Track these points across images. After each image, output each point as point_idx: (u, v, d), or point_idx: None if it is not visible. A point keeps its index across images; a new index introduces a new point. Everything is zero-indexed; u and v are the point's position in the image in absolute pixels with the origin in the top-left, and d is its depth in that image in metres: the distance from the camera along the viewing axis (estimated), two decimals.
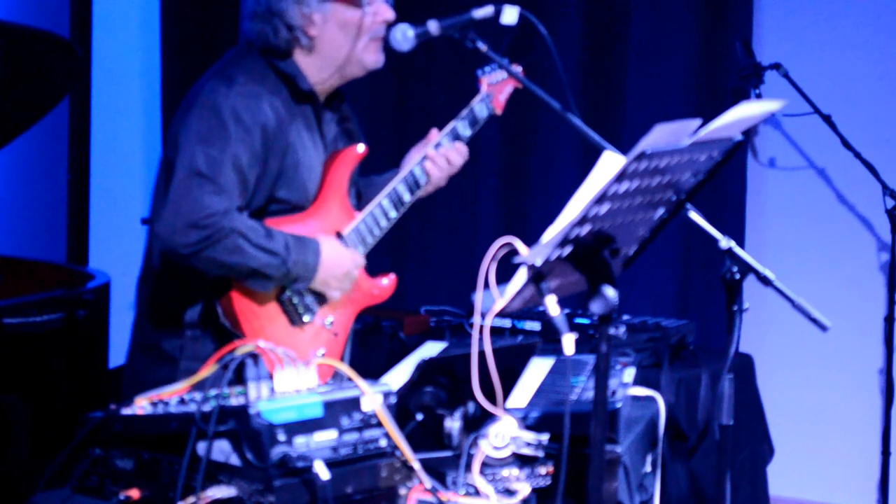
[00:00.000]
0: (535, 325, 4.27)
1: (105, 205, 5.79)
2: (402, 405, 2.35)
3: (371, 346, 4.43)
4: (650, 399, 3.01)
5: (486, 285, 2.24)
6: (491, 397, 2.35)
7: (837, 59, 4.98)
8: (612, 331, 2.26)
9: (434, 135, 3.17)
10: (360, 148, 3.07)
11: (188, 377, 2.25)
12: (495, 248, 2.24)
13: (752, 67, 4.84)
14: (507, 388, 2.44)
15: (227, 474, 2.06)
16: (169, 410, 2.17)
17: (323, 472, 2.03)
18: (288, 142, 2.96)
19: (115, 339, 4.14)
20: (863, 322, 4.94)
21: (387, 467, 2.18)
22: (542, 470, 2.43)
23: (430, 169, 3.13)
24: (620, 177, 2.15)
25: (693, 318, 4.66)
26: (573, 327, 3.24)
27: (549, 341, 2.79)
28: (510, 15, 2.77)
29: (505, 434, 2.40)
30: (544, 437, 2.44)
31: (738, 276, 2.40)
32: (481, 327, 2.25)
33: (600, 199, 2.16)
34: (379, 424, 2.18)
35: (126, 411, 2.19)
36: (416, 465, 2.20)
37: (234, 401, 2.12)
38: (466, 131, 3.18)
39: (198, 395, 2.18)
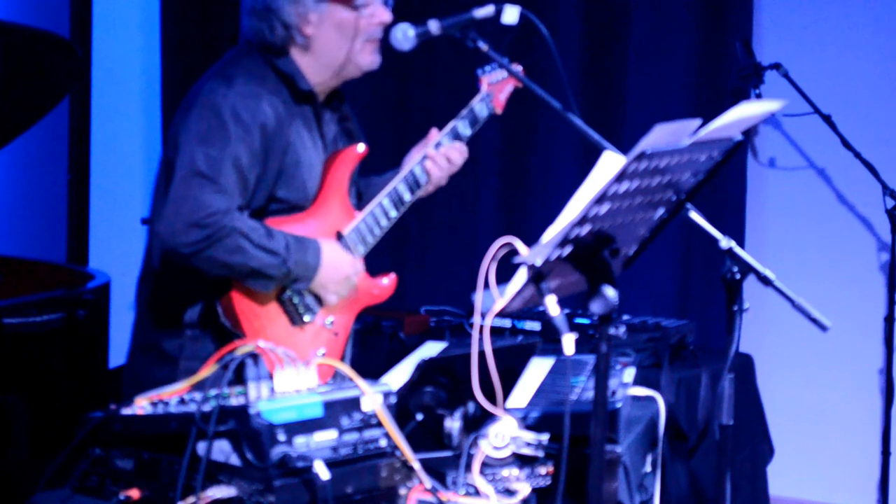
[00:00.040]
0: (535, 325, 4.27)
1: (105, 205, 5.79)
2: (402, 405, 2.35)
3: (371, 346, 4.43)
4: (650, 399, 3.01)
5: (486, 285, 2.24)
6: (491, 397, 2.35)
7: (837, 59, 4.98)
8: (612, 331, 2.26)
9: (434, 134, 3.17)
10: (361, 147, 3.07)
11: (188, 377, 2.25)
12: (495, 248, 2.24)
13: (752, 67, 4.84)
14: (507, 388, 2.44)
15: (227, 474, 2.06)
16: (169, 410, 2.17)
17: (323, 472, 2.03)
18: (288, 141, 2.96)
19: (115, 339, 4.14)
20: (863, 322, 4.94)
21: (387, 467, 2.18)
22: (542, 470, 2.43)
23: (430, 168, 3.13)
24: (620, 177, 2.15)
25: (693, 318, 4.66)
26: (573, 327, 3.24)
27: (549, 341, 2.78)
28: (511, 14, 2.77)
29: (505, 434, 2.39)
30: (544, 437, 2.44)
31: (738, 276, 2.40)
32: (481, 327, 2.25)
33: (600, 199, 2.16)
34: (379, 424, 2.18)
35: (126, 411, 2.19)
36: (416, 465, 2.20)
37: (234, 401, 2.12)
38: (467, 130, 3.18)
39: (198, 395, 2.18)
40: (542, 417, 2.56)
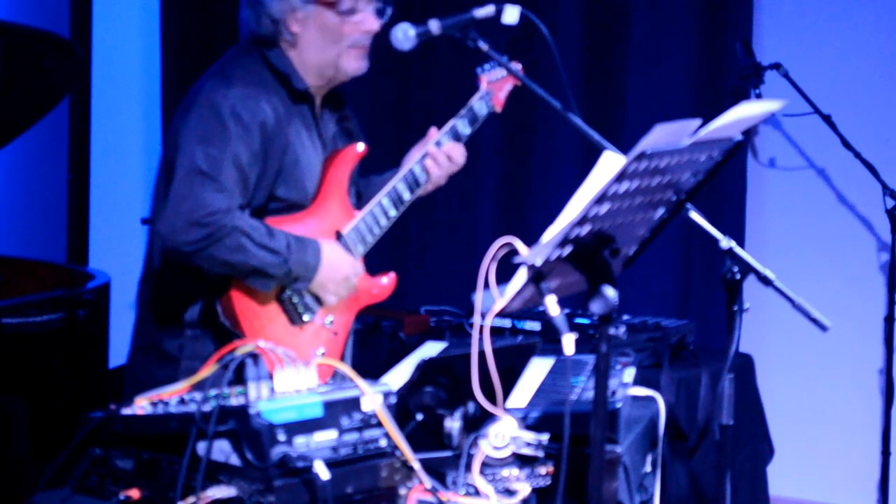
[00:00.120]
0: (535, 325, 4.27)
1: (105, 205, 5.79)
2: (402, 405, 2.35)
3: (371, 346, 4.43)
4: (650, 399, 3.01)
5: (486, 285, 2.24)
6: (491, 397, 2.35)
7: (837, 59, 4.98)
8: (612, 331, 2.26)
9: (433, 133, 3.17)
10: (360, 147, 3.08)
11: (189, 377, 2.25)
12: (495, 248, 2.24)
13: (752, 67, 4.84)
14: (507, 388, 2.44)
15: (227, 474, 2.06)
16: (169, 410, 2.17)
17: (323, 472, 2.03)
18: (287, 141, 2.97)
19: (115, 339, 4.14)
20: (863, 322, 4.94)
21: (387, 467, 2.18)
22: (542, 470, 2.43)
23: (430, 167, 3.13)
24: (620, 177, 2.15)
25: (693, 318, 4.66)
26: (573, 327, 3.25)
27: (549, 341, 2.78)
28: (511, 14, 2.77)
29: (505, 434, 2.39)
30: (544, 437, 2.44)
31: (738, 276, 2.40)
32: (481, 327, 2.25)
33: (600, 199, 2.16)
34: (379, 424, 2.18)
35: (126, 411, 2.19)
36: (416, 465, 2.20)
37: (234, 401, 2.12)
38: (466, 129, 3.18)
39: (198, 395, 2.18)
40: (542, 417, 2.56)
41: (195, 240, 2.79)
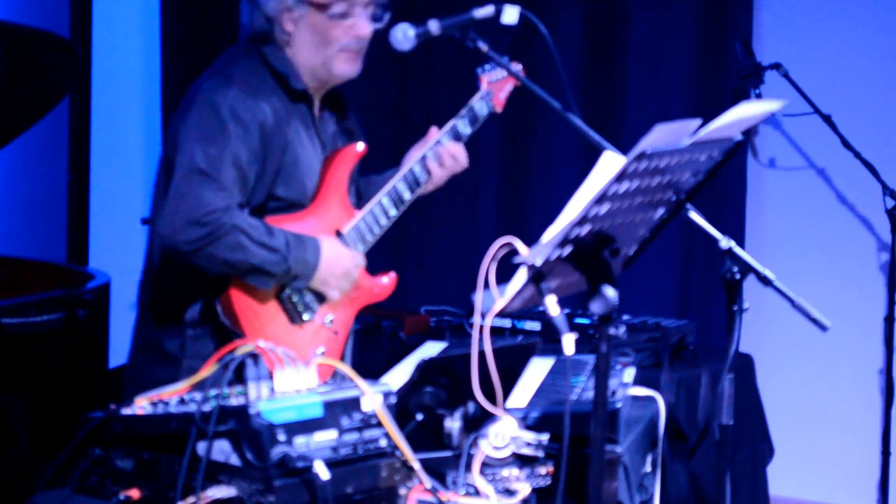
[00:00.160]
0: (535, 325, 4.27)
1: (105, 205, 5.79)
2: (402, 405, 2.35)
3: (371, 346, 4.43)
4: (650, 399, 3.01)
5: (486, 285, 2.24)
6: (491, 397, 2.35)
7: (837, 59, 4.98)
8: (612, 331, 2.25)
9: (434, 133, 3.17)
10: (360, 146, 3.08)
11: (190, 376, 2.25)
12: (495, 248, 2.24)
13: (752, 67, 4.84)
14: (507, 388, 2.44)
15: (227, 474, 2.06)
16: (169, 410, 2.17)
17: (323, 472, 2.03)
18: (286, 140, 2.97)
19: (115, 339, 4.14)
20: (863, 322, 4.94)
21: (387, 467, 2.18)
22: (542, 470, 2.43)
23: (432, 166, 3.13)
24: (620, 177, 2.15)
25: (693, 318, 4.66)
26: (573, 327, 3.24)
27: (549, 341, 2.78)
28: (511, 15, 2.76)
29: (505, 434, 2.39)
30: (544, 437, 2.44)
31: (738, 276, 2.40)
32: (481, 327, 2.25)
33: (600, 199, 2.16)
34: (379, 424, 2.18)
35: (126, 411, 2.19)
36: (416, 465, 2.20)
37: (234, 401, 2.12)
38: (466, 129, 3.19)
39: (198, 395, 2.18)
40: (542, 417, 2.56)
41: (194, 239, 2.79)
